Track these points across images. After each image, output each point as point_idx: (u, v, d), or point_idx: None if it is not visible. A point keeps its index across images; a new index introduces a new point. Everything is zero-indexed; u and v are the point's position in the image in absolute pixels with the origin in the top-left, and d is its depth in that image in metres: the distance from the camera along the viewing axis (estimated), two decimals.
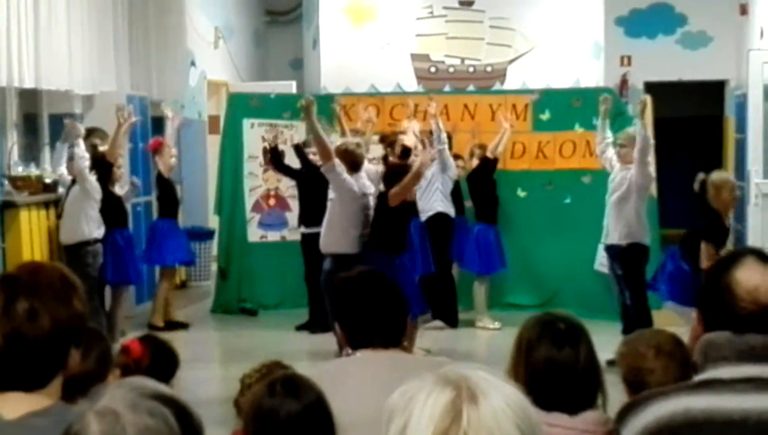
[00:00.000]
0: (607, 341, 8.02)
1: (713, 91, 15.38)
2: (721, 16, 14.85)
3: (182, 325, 9.86)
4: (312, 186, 9.25)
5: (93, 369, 2.86)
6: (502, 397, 1.44)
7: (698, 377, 2.29)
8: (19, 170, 9.25)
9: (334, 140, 8.82)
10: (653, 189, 9.94)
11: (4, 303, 2.11)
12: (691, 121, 16.26)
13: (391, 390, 1.56)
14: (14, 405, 2.08)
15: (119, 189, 9.18)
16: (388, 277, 3.50)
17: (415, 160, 8.21)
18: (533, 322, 2.90)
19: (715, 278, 2.32)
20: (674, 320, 8.75)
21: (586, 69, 13.79)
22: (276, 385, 2.56)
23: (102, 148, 8.95)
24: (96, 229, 8.56)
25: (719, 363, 2.24)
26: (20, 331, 2.09)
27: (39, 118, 10.18)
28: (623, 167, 8.30)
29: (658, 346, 3.27)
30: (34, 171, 9.36)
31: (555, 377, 2.74)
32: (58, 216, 8.89)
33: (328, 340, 7.67)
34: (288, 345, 9.06)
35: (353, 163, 7.50)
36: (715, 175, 8.25)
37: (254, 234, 10.78)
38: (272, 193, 10.81)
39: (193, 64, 13.16)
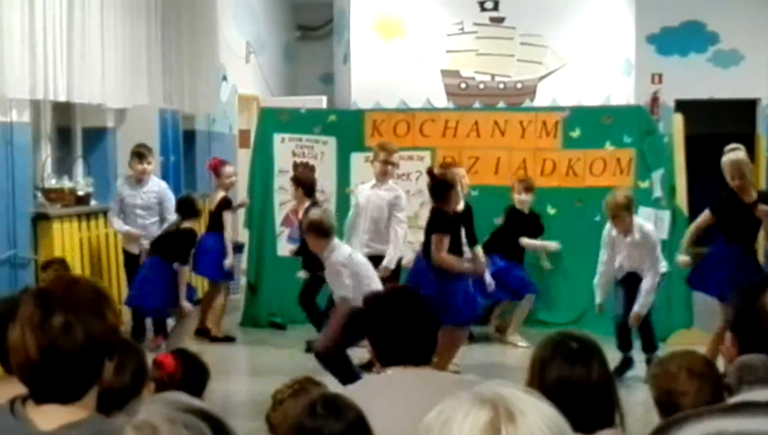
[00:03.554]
0: (637, 359, 8.13)
1: (745, 110, 15.31)
2: (752, 35, 14.81)
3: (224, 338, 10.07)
4: None
5: (128, 383, 2.88)
6: (538, 414, 1.45)
7: (732, 399, 2.28)
8: (52, 183, 9.34)
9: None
10: (684, 207, 9.91)
11: (39, 317, 2.13)
12: (722, 139, 16.11)
13: (422, 408, 1.56)
14: (50, 417, 2.11)
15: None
16: (420, 295, 3.50)
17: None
18: (546, 342, 2.92)
19: (749, 301, 2.31)
20: (701, 339, 8.72)
21: (616, 86, 13.76)
22: (317, 406, 2.57)
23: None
24: None
25: (754, 386, 2.23)
26: (56, 345, 2.12)
27: (72, 132, 10.29)
28: (624, 240, 8.25)
29: (691, 367, 3.26)
30: (67, 183, 9.45)
31: (568, 396, 2.73)
32: None
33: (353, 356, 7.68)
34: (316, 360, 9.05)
35: (325, 231, 7.47)
36: (724, 157, 8.33)
37: (284, 248, 10.81)
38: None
39: (224, 78, 13.25)
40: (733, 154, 8.41)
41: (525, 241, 9.75)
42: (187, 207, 9.04)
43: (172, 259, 8.73)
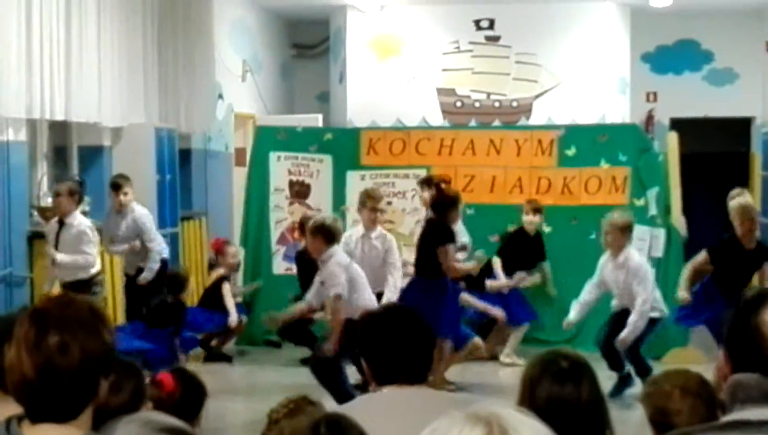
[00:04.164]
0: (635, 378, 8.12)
1: (740, 128, 15.35)
2: (747, 53, 14.85)
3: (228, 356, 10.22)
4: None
5: (127, 402, 2.88)
6: (532, 432, 1.45)
7: (725, 418, 2.28)
8: (48, 201, 9.33)
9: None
10: (682, 229, 9.92)
11: (35, 336, 2.14)
12: (717, 158, 16.21)
13: (417, 427, 1.57)
14: None
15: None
16: (415, 312, 3.51)
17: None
18: (536, 361, 2.92)
19: (743, 319, 2.32)
20: (696, 357, 8.74)
21: (611, 105, 13.81)
22: (320, 427, 2.57)
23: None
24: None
25: (747, 404, 2.23)
26: (52, 364, 2.12)
27: (68, 150, 10.29)
28: (613, 261, 8.32)
29: (685, 386, 3.26)
30: None
31: (558, 414, 2.72)
32: None
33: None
34: (312, 378, 9.04)
35: (331, 236, 7.55)
36: (731, 202, 8.39)
37: (279, 266, 10.81)
38: (297, 225, 10.83)
39: (220, 96, 13.26)
40: (742, 198, 8.55)
41: (489, 283, 9.78)
42: (174, 284, 9.41)
43: (161, 326, 8.93)
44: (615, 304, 8.52)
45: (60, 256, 8.25)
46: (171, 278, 9.50)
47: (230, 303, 10.11)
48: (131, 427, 1.70)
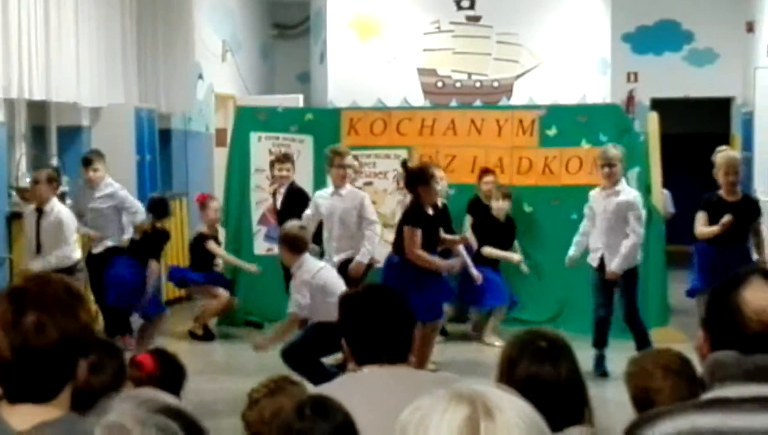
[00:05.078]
0: (616, 357, 8.16)
1: (720, 108, 15.41)
2: (727, 34, 14.90)
3: (211, 335, 10.21)
4: (290, 210, 9.32)
5: (109, 382, 2.87)
6: (516, 411, 1.46)
7: (705, 396, 2.29)
8: (26, 181, 9.28)
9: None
10: (660, 206, 9.96)
11: (12, 316, 2.12)
12: (697, 138, 16.27)
13: (399, 406, 1.56)
14: (24, 416, 2.10)
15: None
16: (395, 293, 3.50)
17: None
18: (515, 340, 2.93)
19: (722, 298, 2.33)
20: (677, 337, 8.78)
21: (592, 85, 13.82)
22: (305, 408, 2.58)
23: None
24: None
25: (726, 382, 2.24)
26: (28, 344, 2.11)
27: (47, 130, 10.23)
28: (606, 191, 8.38)
29: (666, 365, 3.27)
30: None
31: (536, 394, 2.72)
32: None
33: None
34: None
35: (297, 247, 7.51)
36: (717, 155, 8.56)
37: (261, 247, 10.79)
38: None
39: (200, 77, 13.21)
40: (731, 152, 8.71)
41: (487, 250, 9.76)
42: (159, 208, 9.14)
43: (147, 258, 8.82)
44: (593, 257, 8.50)
45: (41, 263, 8.06)
46: (156, 203, 9.25)
47: (223, 255, 10.19)
48: (127, 407, 1.68)
